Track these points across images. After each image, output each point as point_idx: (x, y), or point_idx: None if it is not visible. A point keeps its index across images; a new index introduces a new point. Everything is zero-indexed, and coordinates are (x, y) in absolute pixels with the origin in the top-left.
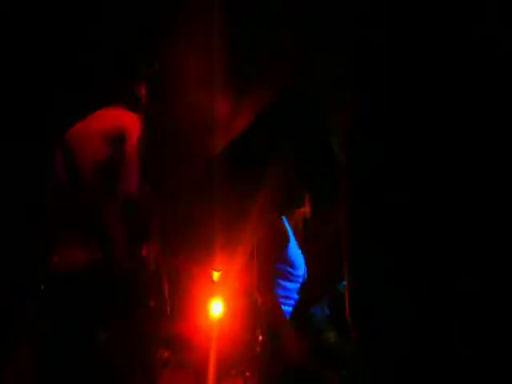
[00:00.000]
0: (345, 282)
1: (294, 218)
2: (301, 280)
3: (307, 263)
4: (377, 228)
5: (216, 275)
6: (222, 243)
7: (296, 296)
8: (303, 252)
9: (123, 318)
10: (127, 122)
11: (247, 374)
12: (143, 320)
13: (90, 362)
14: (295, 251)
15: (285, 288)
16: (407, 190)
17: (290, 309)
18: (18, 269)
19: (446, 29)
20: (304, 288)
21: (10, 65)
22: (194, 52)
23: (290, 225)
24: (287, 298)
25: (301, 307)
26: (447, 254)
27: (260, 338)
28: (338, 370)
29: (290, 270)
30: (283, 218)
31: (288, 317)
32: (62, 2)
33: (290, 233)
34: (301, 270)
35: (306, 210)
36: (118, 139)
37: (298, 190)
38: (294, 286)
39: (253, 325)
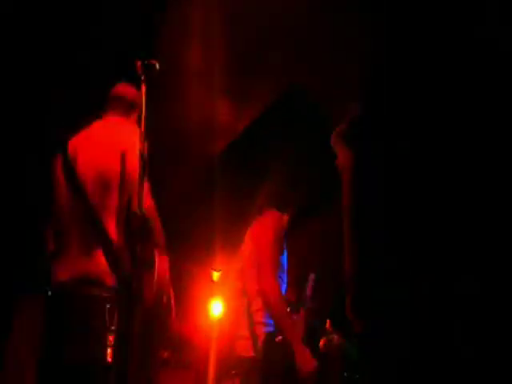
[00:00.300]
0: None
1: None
2: (285, 286)
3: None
4: (377, 228)
5: (216, 275)
6: (221, 243)
7: None
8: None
9: (124, 319)
10: (128, 132)
11: (247, 373)
12: (145, 320)
13: (92, 362)
14: (285, 256)
15: None
16: (407, 190)
17: None
18: (18, 271)
19: (445, 29)
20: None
21: (10, 66)
22: (194, 52)
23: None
24: None
25: None
26: (447, 254)
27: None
28: (341, 371)
29: (281, 274)
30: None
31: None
32: (61, 2)
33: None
34: (285, 274)
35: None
36: (119, 149)
37: (298, 190)
38: (282, 290)
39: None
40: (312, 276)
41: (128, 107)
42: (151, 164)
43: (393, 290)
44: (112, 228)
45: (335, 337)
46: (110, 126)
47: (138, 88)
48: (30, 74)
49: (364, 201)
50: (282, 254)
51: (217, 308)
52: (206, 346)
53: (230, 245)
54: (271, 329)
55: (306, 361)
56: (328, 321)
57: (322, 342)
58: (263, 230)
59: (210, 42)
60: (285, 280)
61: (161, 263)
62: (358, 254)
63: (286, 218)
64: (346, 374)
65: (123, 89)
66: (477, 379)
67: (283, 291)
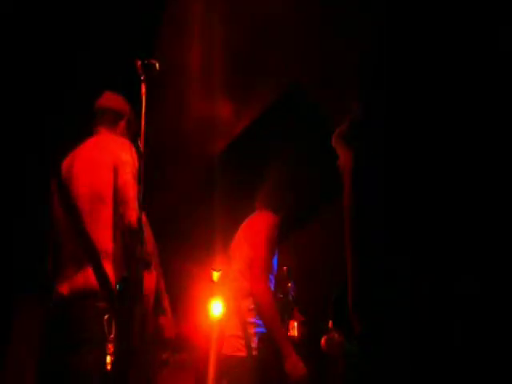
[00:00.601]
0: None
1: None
2: (273, 287)
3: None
4: (377, 228)
5: (216, 275)
6: (221, 243)
7: None
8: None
9: (123, 321)
10: (118, 149)
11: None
12: (142, 321)
13: (93, 370)
14: (275, 258)
15: None
16: (407, 190)
17: None
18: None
19: (446, 28)
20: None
21: (10, 66)
22: (193, 51)
23: None
24: None
25: None
26: (447, 254)
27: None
28: (342, 370)
29: (271, 277)
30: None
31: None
32: (61, 2)
33: None
34: (274, 276)
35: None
36: (110, 165)
37: (293, 192)
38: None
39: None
40: (291, 285)
41: (115, 118)
42: (149, 167)
43: (393, 290)
44: (108, 243)
45: (336, 335)
46: (100, 143)
47: (138, 88)
48: (29, 74)
49: (364, 201)
50: (274, 255)
51: (217, 308)
52: (206, 345)
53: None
54: (263, 330)
55: (294, 366)
56: (330, 321)
57: (323, 341)
58: (257, 230)
59: (210, 41)
60: (273, 280)
61: (147, 277)
62: (358, 254)
63: (279, 218)
64: (346, 373)
65: (108, 99)
66: (477, 379)
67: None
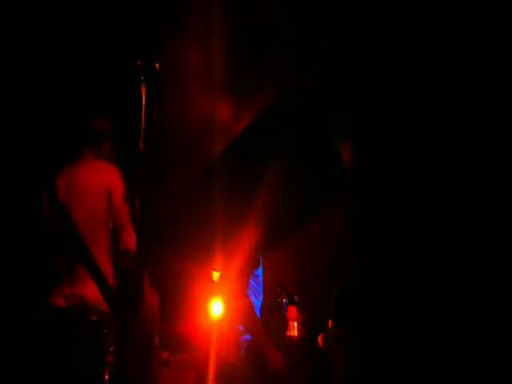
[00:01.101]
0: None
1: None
2: (261, 298)
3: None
4: (377, 228)
5: (216, 275)
6: (222, 243)
7: (258, 312)
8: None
9: (123, 322)
10: (109, 176)
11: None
12: (141, 323)
13: (93, 363)
14: (261, 269)
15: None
16: (408, 191)
17: None
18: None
19: (445, 30)
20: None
21: (8, 66)
22: (194, 52)
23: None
24: None
25: None
26: (447, 254)
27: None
28: (338, 366)
29: (257, 286)
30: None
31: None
32: (61, 3)
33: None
34: (261, 287)
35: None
36: (104, 193)
37: (297, 191)
38: (258, 302)
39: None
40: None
41: (99, 139)
42: (149, 168)
43: (393, 290)
44: (105, 263)
45: (333, 333)
46: (92, 170)
47: (138, 88)
48: (29, 73)
49: (365, 201)
50: (257, 266)
51: (217, 308)
52: (206, 345)
53: (230, 245)
54: (249, 337)
55: (276, 361)
56: (330, 321)
57: (319, 338)
58: (242, 245)
59: (210, 42)
60: (261, 292)
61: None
62: (355, 253)
63: (260, 231)
64: (344, 373)
65: (91, 121)
66: (477, 379)
67: (259, 302)
